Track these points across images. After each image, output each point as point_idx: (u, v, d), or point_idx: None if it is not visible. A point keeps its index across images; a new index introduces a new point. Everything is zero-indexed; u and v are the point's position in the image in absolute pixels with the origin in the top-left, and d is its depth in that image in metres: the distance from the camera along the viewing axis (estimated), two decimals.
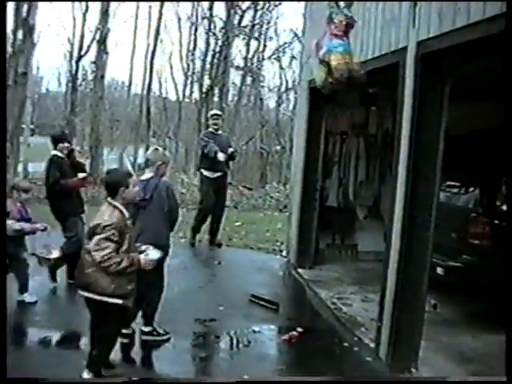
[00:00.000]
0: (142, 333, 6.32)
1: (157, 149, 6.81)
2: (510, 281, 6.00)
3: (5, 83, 12.89)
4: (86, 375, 5.03)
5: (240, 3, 26.54)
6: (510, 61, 4.17)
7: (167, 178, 6.71)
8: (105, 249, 4.82)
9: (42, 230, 7.15)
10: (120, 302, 4.97)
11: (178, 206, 6.65)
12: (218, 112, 12.06)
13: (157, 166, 6.27)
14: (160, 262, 5.86)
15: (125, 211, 5.07)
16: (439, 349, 6.34)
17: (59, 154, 7.97)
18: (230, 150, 10.91)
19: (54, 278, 8.01)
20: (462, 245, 7.62)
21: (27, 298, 7.16)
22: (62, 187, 7.82)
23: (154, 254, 5.28)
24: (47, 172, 7.90)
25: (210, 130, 11.06)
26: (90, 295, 4.99)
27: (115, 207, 5.02)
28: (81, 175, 8.10)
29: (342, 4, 6.22)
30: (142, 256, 5.12)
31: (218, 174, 10.88)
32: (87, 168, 20.45)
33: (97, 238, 4.85)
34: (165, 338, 6.37)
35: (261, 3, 27.27)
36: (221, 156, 10.54)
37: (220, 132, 11.22)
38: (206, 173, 10.91)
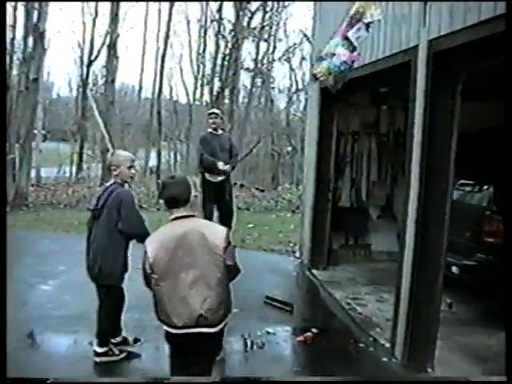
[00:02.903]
0: (96, 354, 5.88)
1: (115, 152, 6.31)
2: (510, 281, 5.97)
3: (5, 82, 12.95)
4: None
5: (249, 5, 26.55)
6: (510, 61, 4.15)
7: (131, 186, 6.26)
8: None
9: None
10: None
11: (133, 220, 5.77)
12: (216, 110, 11.56)
13: (119, 170, 5.83)
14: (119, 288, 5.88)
15: None
16: (455, 348, 6.32)
17: None
18: (227, 167, 10.36)
19: None
20: (476, 243, 7.60)
21: None
22: None
23: None
24: None
25: (209, 130, 10.62)
26: None
27: None
28: None
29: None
30: None
31: (221, 177, 10.57)
32: (99, 172, 20.46)
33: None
34: (120, 357, 5.97)
35: (269, 4, 27.27)
36: (221, 165, 10.11)
37: (220, 132, 10.42)
38: (208, 177, 10.54)
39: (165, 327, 4.22)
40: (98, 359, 5.87)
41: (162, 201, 4.43)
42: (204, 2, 27.21)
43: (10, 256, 5.74)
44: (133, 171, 6.01)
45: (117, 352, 5.99)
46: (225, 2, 26.21)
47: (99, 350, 5.88)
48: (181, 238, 4.07)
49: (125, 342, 6.21)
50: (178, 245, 4.05)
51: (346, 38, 5.83)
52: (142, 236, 5.18)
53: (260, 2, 26.92)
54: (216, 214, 10.80)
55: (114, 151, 6.46)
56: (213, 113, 10.89)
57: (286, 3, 27.15)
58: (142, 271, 4.18)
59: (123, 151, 6.50)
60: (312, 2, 11.21)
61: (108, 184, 5.94)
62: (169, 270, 4.04)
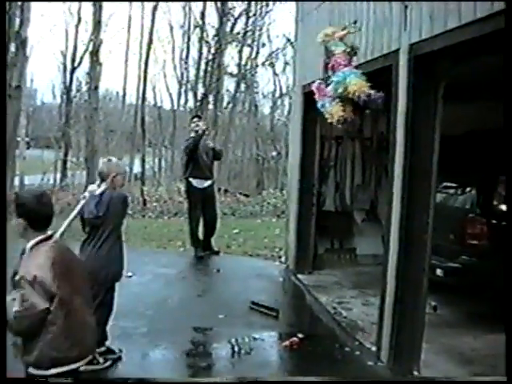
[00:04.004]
0: None
1: (110, 160, 6.45)
2: (510, 281, 5.99)
3: (5, 82, 12.88)
4: None
5: (232, 10, 26.57)
6: (509, 60, 4.17)
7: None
8: None
9: None
10: None
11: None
12: (199, 114, 12.02)
13: (111, 178, 5.87)
14: (111, 285, 5.85)
15: None
16: (441, 350, 6.34)
17: None
18: (203, 123, 10.82)
19: None
20: (460, 246, 7.63)
21: None
22: None
23: None
24: None
25: (192, 135, 10.88)
26: None
27: None
28: None
29: (337, 37, 6.20)
30: None
31: (207, 183, 10.74)
32: (83, 179, 20.45)
33: None
34: (104, 366, 5.82)
35: (252, 10, 27.31)
36: (202, 124, 10.63)
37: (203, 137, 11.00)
38: (194, 182, 10.70)
39: None
40: (82, 368, 5.79)
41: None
42: (187, 8, 27.22)
43: None
44: (123, 181, 6.12)
45: (101, 360, 5.84)
46: (207, 8, 26.24)
47: None
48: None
49: (109, 351, 6.06)
50: None
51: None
52: None
53: (243, 7, 26.96)
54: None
55: (107, 159, 6.53)
56: (195, 116, 11.31)
57: (269, 8, 27.17)
58: None
59: (117, 160, 6.74)
60: (294, 5, 11.18)
61: (101, 190, 5.87)
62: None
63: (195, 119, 11.09)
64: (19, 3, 18.28)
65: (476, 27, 4.47)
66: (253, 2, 27.06)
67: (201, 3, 26.34)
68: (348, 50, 6.03)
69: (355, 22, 6.61)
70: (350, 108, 5.86)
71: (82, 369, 5.61)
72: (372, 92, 5.61)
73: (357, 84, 5.66)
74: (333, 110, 6.06)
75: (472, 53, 5.11)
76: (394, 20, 5.97)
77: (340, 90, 5.74)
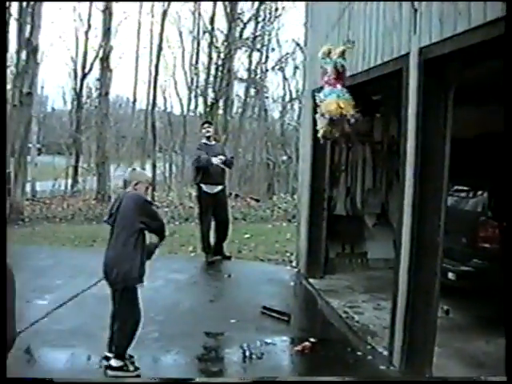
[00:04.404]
0: (110, 368, 5.69)
1: (134, 169, 6.74)
2: (511, 283, 5.97)
3: (5, 81, 12.94)
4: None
5: (241, 16, 26.63)
6: (509, 64, 4.17)
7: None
8: None
9: None
10: None
11: (156, 223, 5.96)
12: (209, 120, 12.08)
13: (133, 185, 5.93)
14: (133, 290, 5.77)
15: None
16: (453, 354, 6.30)
17: None
18: (220, 158, 10.71)
19: None
20: (472, 249, 7.60)
21: None
22: None
23: None
24: None
25: (203, 140, 10.97)
26: None
27: None
28: None
29: (334, 54, 6.33)
30: None
31: (218, 188, 10.78)
32: (94, 184, 20.55)
33: None
34: (134, 374, 5.73)
35: (262, 15, 27.37)
36: (215, 160, 10.50)
37: (213, 142, 11.19)
38: (205, 188, 10.76)
39: None
40: (111, 373, 5.65)
41: None
42: (196, 13, 27.33)
43: None
44: (146, 188, 6.17)
45: (131, 368, 5.75)
46: (217, 13, 26.33)
47: (115, 363, 5.68)
48: None
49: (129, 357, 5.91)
50: None
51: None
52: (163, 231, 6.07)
53: (252, 12, 27.01)
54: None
55: (132, 168, 6.76)
56: (206, 122, 11.43)
57: (278, 12, 27.23)
58: None
59: (142, 170, 6.76)
60: (304, 9, 11.22)
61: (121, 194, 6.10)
62: None
63: (206, 125, 11.20)
64: (30, 10, 18.41)
65: (486, 30, 4.46)
66: (262, 7, 27.13)
67: (210, 9, 26.46)
68: (338, 65, 6.15)
69: (349, 41, 6.72)
70: (338, 126, 6.04)
71: (111, 374, 5.64)
72: (350, 112, 5.77)
73: (329, 104, 5.86)
74: (318, 126, 6.32)
75: (482, 56, 5.11)
76: (404, 24, 5.97)
77: (320, 109, 6.00)
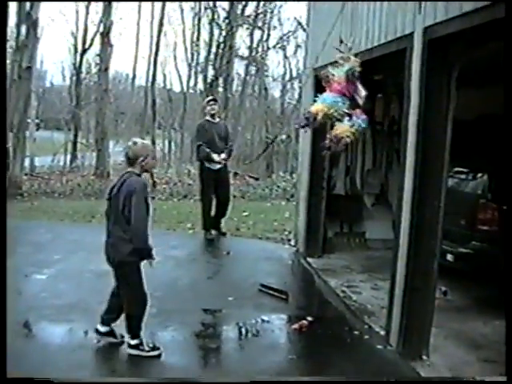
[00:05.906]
0: (129, 346, 5.66)
1: (135, 142, 5.63)
2: (510, 277, 6.00)
3: (5, 82, 12.87)
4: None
5: None
6: (509, 50, 4.14)
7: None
8: None
9: None
10: None
11: (139, 215, 5.36)
12: (215, 98, 11.83)
13: (140, 161, 5.46)
14: (137, 270, 5.68)
15: None
16: (450, 335, 6.35)
17: None
18: (223, 156, 10.62)
19: None
20: (471, 231, 7.62)
21: None
22: None
23: None
24: None
25: (207, 118, 10.81)
26: None
27: None
28: None
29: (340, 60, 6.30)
30: None
31: (220, 164, 10.68)
32: (93, 160, 20.49)
33: None
34: (149, 355, 5.61)
35: None
36: (216, 157, 10.39)
37: (217, 120, 10.95)
38: (207, 164, 10.66)
39: None
40: (131, 351, 5.64)
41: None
42: None
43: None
44: (154, 162, 5.92)
45: (147, 348, 5.64)
46: None
47: (132, 341, 5.65)
48: None
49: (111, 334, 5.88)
50: None
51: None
52: (140, 232, 5.39)
53: None
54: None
55: (133, 141, 5.71)
56: (211, 99, 11.15)
57: None
58: None
59: (144, 141, 6.18)
60: None
61: (123, 172, 5.64)
62: None
63: (211, 102, 10.97)
64: None
65: (491, 11, 4.42)
66: None
67: None
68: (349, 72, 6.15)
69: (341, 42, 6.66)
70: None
71: (131, 352, 5.64)
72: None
73: (316, 108, 5.96)
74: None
75: (487, 37, 5.06)
76: (409, 3, 5.92)
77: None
